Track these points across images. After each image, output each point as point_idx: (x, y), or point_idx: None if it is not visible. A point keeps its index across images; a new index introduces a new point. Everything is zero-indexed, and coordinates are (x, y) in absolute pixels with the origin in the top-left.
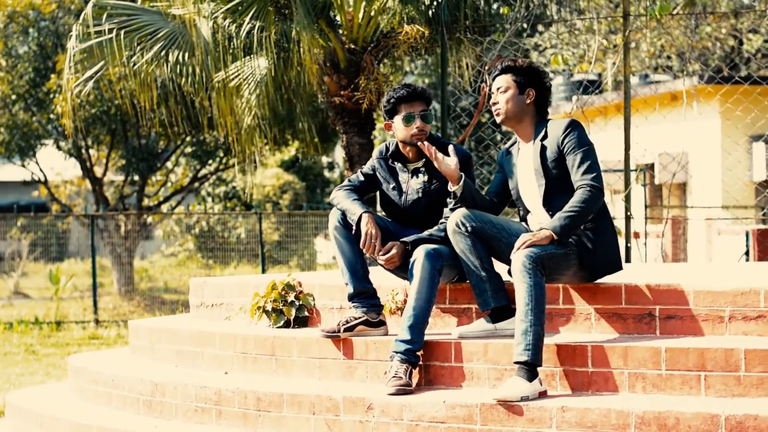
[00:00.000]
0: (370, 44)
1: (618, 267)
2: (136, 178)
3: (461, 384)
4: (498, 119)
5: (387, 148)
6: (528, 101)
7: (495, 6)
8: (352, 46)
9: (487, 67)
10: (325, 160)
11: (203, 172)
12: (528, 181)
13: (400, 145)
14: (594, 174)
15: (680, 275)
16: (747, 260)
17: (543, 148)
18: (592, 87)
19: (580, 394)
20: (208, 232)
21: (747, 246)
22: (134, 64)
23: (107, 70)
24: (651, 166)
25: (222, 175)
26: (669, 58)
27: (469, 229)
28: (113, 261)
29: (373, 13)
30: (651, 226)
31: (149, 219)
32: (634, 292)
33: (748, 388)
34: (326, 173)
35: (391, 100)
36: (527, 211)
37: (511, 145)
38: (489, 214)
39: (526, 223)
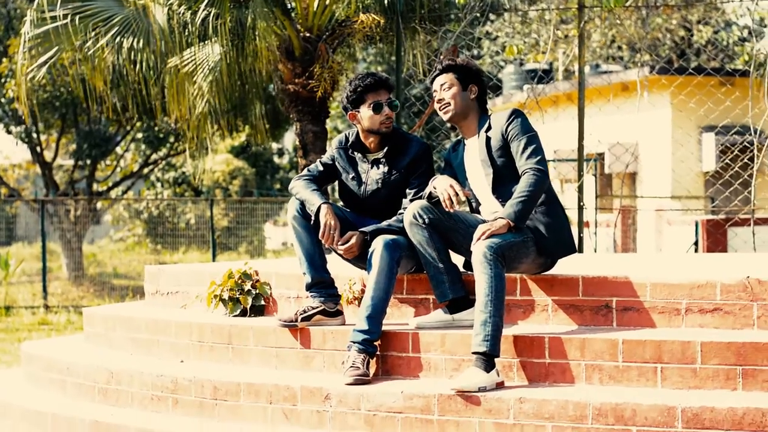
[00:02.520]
0: (325, 32)
1: (573, 248)
2: (87, 162)
3: (418, 374)
4: (446, 116)
5: (347, 138)
6: (472, 97)
7: None
8: (307, 34)
9: (443, 56)
10: (275, 146)
11: (154, 157)
12: (476, 173)
13: (362, 135)
14: (538, 158)
15: (637, 267)
16: (696, 251)
17: (488, 140)
18: (545, 76)
19: (537, 385)
20: (158, 218)
21: (696, 236)
22: (88, 50)
23: (61, 56)
24: (602, 156)
25: (171, 160)
26: (620, 48)
27: (426, 221)
28: (63, 246)
29: (328, 2)
30: (601, 215)
31: (99, 204)
32: (591, 284)
33: (704, 381)
34: (276, 159)
35: (358, 89)
36: (478, 203)
37: (456, 143)
38: None
39: (480, 215)
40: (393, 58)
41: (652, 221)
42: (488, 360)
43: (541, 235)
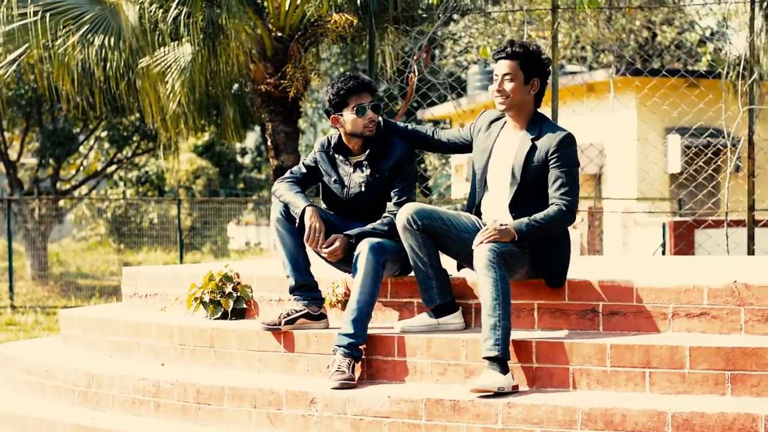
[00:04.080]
0: (297, 32)
1: (564, 277)
2: (51, 162)
3: (404, 379)
4: (501, 108)
5: (329, 141)
6: (531, 92)
7: None
8: (279, 34)
9: (415, 57)
10: (238, 146)
11: (119, 157)
12: (502, 170)
13: (345, 138)
14: (572, 198)
15: (622, 271)
16: (663, 253)
17: (533, 148)
18: None
19: (525, 390)
20: (121, 217)
21: (663, 238)
22: (58, 47)
23: (31, 53)
24: None
25: (134, 159)
26: (583, 48)
27: (420, 226)
28: (27, 245)
29: (299, 1)
30: None
31: (63, 204)
32: (577, 288)
33: (692, 386)
34: (239, 159)
35: (340, 93)
36: (485, 191)
37: (496, 119)
38: (439, 210)
39: (478, 210)
40: (360, 57)
41: (618, 223)
42: (502, 363)
43: (541, 256)
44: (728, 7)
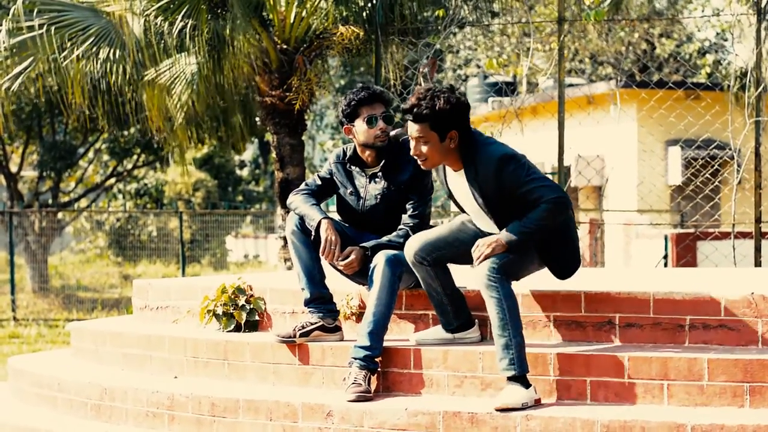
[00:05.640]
0: (303, 44)
1: (574, 270)
2: (51, 174)
3: (420, 391)
4: (423, 167)
5: (344, 152)
6: (452, 145)
7: (428, 9)
8: (285, 47)
9: (421, 69)
10: (237, 158)
11: (120, 169)
12: (472, 208)
13: (359, 149)
14: (548, 192)
15: (638, 282)
16: (665, 265)
17: (479, 187)
18: (507, 89)
19: (543, 402)
20: (120, 230)
21: (666, 250)
22: (64, 60)
23: (36, 66)
24: (567, 170)
25: (133, 172)
26: (582, 61)
27: (429, 261)
28: (27, 258)
29: (305, 14)
30: None
31: (63, 216)
32: (593, 300)
33: (711, 398)
34: (237, 171)
35: (352, 103)
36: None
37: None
38: (442, 233)
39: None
40: (361, 69)
41: (619, 235)
42: (522, 378)
43: (546, 251)
44: (734, 18)
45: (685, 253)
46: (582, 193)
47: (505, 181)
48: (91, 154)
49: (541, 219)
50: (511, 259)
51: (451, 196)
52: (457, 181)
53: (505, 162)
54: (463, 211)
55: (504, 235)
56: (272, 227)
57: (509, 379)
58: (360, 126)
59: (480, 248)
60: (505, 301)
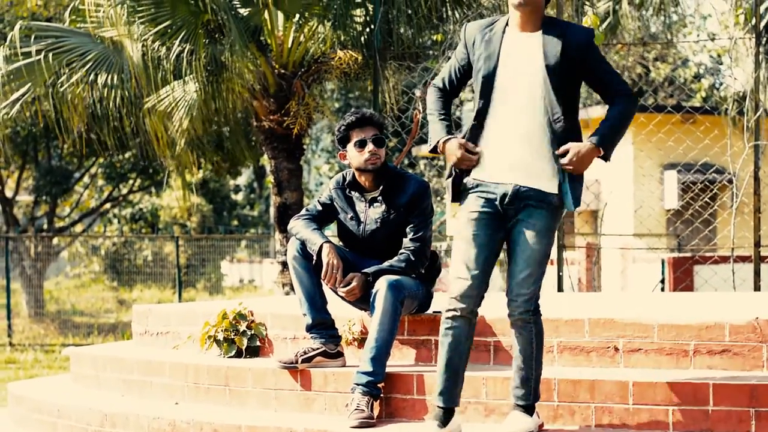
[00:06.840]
0: (301, 69)
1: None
2: (47, 199)
3: (423, 417)
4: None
5: (344, 178)
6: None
7: (427, 33)
8: (282, 71)
9: (419, 95)
10: (231, 183)
11: (115, 194)
12: (523, 73)
13: (357, 174)
14: (626, 84)
15: (641, 308)
16: (663, 289)
17: (563, 49)
18: None
19: (548, 428)
20: (116, 254)
21: (663, 274)
22: (62, 85)
23: (34, 92)
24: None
25: (129, 197)
26: None
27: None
28: (23, 283)
29: (303, 38)
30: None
31: (58, 241)
32: (597, 325)
33: (716, 423)
34: (232, 196)
35: (342, 128)
36: (488, 104)
37: (489, 25)
38: (478, 275)
39: (471, 133)
40: (356, 93)
41: (616, 259)
42: (532, 407)
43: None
44: (732, 42)
45: (684, 277)
46: (580, 217)
47: (592, 53)
48: (86, 179)
49: (625, 111)
50: (539, 285)
51: (490, 82)
52: (520, 42)
53: (593, 41)
54: (486, 101)
55: (593, 138)
56: (267, 252)
57: (518, 406)
58: (351, 150)
59: (567, 156)
60: (536, 338)
